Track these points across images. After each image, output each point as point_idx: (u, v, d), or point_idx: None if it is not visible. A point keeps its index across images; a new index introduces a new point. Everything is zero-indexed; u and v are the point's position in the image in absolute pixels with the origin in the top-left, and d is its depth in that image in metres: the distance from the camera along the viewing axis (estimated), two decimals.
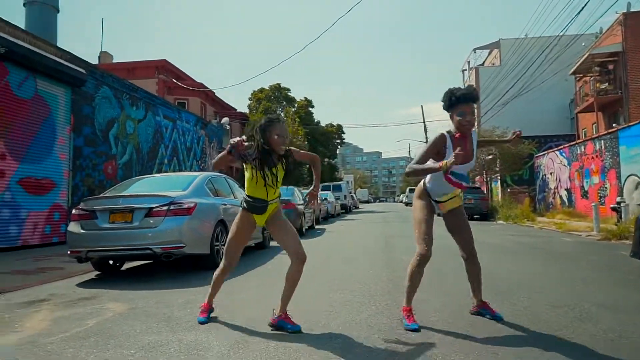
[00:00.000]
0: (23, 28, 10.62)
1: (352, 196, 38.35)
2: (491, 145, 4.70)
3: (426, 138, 40.66)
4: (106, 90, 12.78)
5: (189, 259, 6.22)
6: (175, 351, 2.89)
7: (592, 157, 16.52)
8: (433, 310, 3.80)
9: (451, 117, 3.28)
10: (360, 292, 4.57)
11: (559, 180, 20.18)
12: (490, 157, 22.75)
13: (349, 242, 10.56)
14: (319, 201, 14.77)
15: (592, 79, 23.03)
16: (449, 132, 3.28)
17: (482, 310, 3.55)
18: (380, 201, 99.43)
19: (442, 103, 3.31)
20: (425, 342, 2.97)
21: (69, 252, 5.89)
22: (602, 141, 15.72)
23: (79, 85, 11.30)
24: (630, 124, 14.49)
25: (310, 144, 35.94)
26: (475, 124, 3.45)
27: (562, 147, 20.11)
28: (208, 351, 2.88)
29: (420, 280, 3.38)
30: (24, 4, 26.21)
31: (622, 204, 11.67)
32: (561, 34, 16.78)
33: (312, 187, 3.58)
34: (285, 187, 3.76)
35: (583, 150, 17.43)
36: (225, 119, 24.88)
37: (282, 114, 37.18)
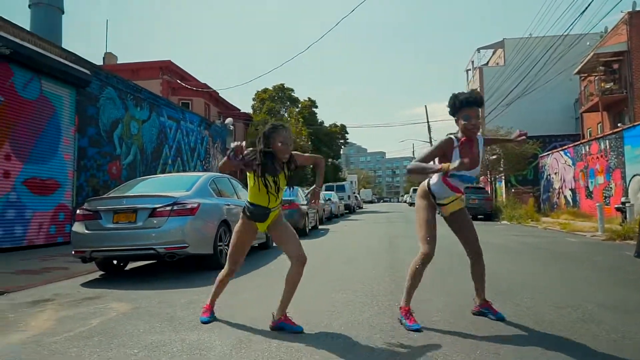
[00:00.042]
0: (28, 29, 10.70)
1: (355, 196, 38.32)
2: (495, 143, 4.72)
3: (430, 138, 40.64)
4: (110, 91, 12.84)
5: (192, 259, 6.25)
6: (178, 351, 2.91)
7: (597, 157, 16.43)
8: (435, 310, 3.80)
9: (457, 121, 3.30)
10: (362, 293, 4.58)
11: (564, 180, 20.09)
12: (494, 157, 22.69)
13: (352, 242, 10.56)
14: (320, 200, 14.79)
15: (597, 78, 22.94)
16: (455, 136, 3.29)
17: (485, 310, 3.55)
18: (384, 201, 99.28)
19: (448, 109, 3.33)
20: (427, 342, 2.98)
21: (73, 252, 5.93)
22: (607, 141, 15.63)
23: (83, 86, 11.36)
24: (636, 123, 14.41)
25: (314, 144, 35.96)
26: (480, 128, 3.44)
27: (566, 147, 20.02)
28: (210, 351, 2.89)
29: (420, 280, 3.38)
30: (29, 6, 26.38)
31: (627, 204, 11.60)
32: (566, 33, 16.74)
33: (314, 186, 3.55)
34: (289, 187, 3.71)
35: (588, 150, 17.35)
36: (229, 120, 24.92)
37: (286, 114, 37.24)
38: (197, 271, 6.16)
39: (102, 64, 25.37)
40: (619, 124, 19.72)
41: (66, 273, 6.27)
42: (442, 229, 3.61)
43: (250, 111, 37.29)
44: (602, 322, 3.42)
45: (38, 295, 4.82)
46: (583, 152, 17.79)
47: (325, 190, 26.43)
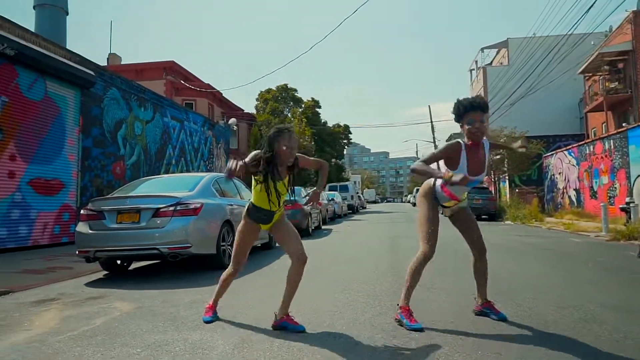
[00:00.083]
0: (33, 31, 10.76)
1: (359, 196, 38.32)
2: (497, 149, 4.67)
3: (434, 138, 40.54)
4: (114, 92, 12.91)
5: (195, 259, 6.26)
6: (181, 350, 2.93)
7: (601, 157, 16.37)
8: (436, 309, 3.80)
9: (462, 127, 3.30)
10: (364, 293, 4.59)
11: (568, 180, 20.02)
12: (498, 157, 22.63)
13: (355, 242, 10.57)
14: (320, 201, 14.85)
15: (601, 77, 22.83)
16: (463, 140, 3.29)
17: (486, 309, 3.55)
18: (388, 201, 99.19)
19: (453, 116, 3.35)
20: (428, 342, 2.98)
21: (77, 252, 5.97)
22: (612, 141, 15.57)
23: (87, 87, 11.43)
24: None
25: (317, 145, 35.98)
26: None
27: (570, 147, 19.94)
28: (212, 350, 2.91)
29: (419, 280, 3.39)
30: (34, 7, 26.54)
31: (631, 205, 11.54)
32: (570, 32, 16.65)
33: (315, 187, 3.57)
34: (290, 193, 3.72)
35: (592, 150, 17.28)
36: (232, 120, 24.98)
37: (289, 115, 37.28)
38: (200, 271, 6.19)
39: (106, 64, 25.48)
40: (623, 124, 19.62)
41: (70, 273, 6.31)
42: (442, 228, 3.61)
43: (254, 111, 37.36)
44: (604, 322, 3.41)
45: (43, 295, 4.86)
46: (587, 152, 17.72)
47: (329, 190, 26.41)
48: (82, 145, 11.35)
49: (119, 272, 6.46)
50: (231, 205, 6.92)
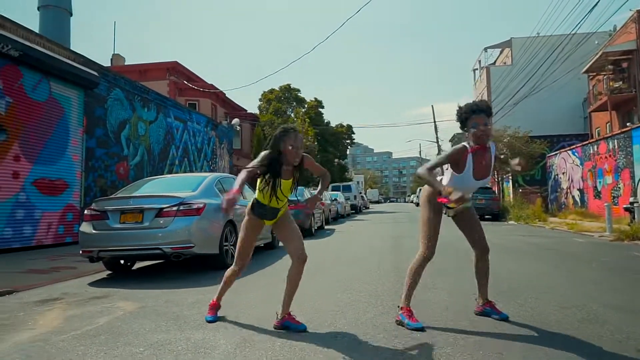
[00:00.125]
0: (37, 32, 10.82)
1: (362, 196, 38.28)
2: (495, 160, 4.62)
3: (437, 138, 40.51)
4: (118, 93, 12.96)
5: (198, 259, 6.28)
6: (183, 349, 2.94)
7: (605, 157, 16.30)
8: (438, 310, 3.80)
9: (467, 132, 3.30)
10: (366, 292, 4.59)
11: (572, 180, 19.94)
12: (501, 156, 22.53)
13: (358, 242, 10.57)
14: (323, 201, 14.90)
15: (605, 77, 22.74)
16: (469, 143, 3.29)
17: (488, 309, 3.55)
18: (391, 201, 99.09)
19: (458, 123, 3.36)
20: (430, 341, 2.98)
21: (81, 252, 6.00)
22: (616, 140, 15.50)
23: (91, 87, 11.48)
24: None
25: (320, 145, 35.99)
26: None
27: (574, 146, 19.87)
28: (215, 349, 2.92)
29: (419, 281, 3.40)
30: (38, 8, 26.66)
31: (635, 204, 11.48)
32: (574, 32, 16.59)
33: (314, 194, 3.60)
34: (294, 191, 3.76)
35: (596, 149, 17.21)
36: (235, 120, 25.02)
37: (292, 115, 37.28)
38: (203, 271, 6.21)
39: (109, 65, 25.57)
40: (627, 123, 19.53)
41: (74, 272, 6.34)
42: (444, 228, 3.61)
43: (257, 112, 37.39)
44: (607, 322, 3.40)
45: (46, 294, 4.89)
46: (591, 151, 17.65)
47: (332, 190, 26.43)
48: (85, 145, 11.40)
49: (123, 271, 6.49)
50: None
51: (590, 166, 17.76)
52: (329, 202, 18.21)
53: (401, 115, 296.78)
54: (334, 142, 41.37)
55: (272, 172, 3.24)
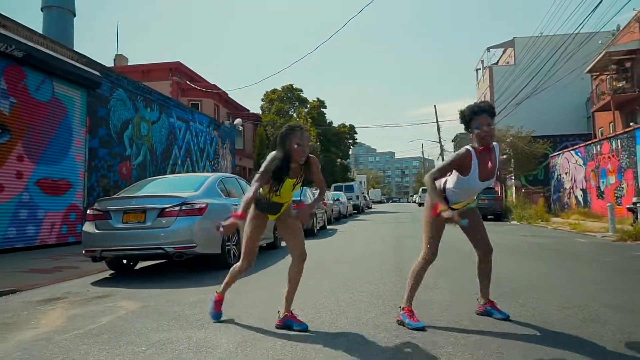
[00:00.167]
0: (40, 32, 10.87)
1: (364, 196, 38.25)
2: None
3: (439, 138, 40.47)
4: (121, 93, 13.00)
5: (200, 259, 6.30)
6: (185, 348, 2.96)
7: (609, 157, 16.25)
8: (439, 309, 3.81)
9: (471, 133, 3.30)
10: (368, 292, 4.60)
11: (574, 180, 19.89)
12: (504, 156, 22.52)
13: (360, 242, 10.57)
14: (325, 201, 14.91)
15: (608, 77, 22.66)
16: (473, 147, 3.29)
17: (489, 309, 3.55)
18: (393, 201, 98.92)
19: (462, 125, 3.37)
20: (431, 341, 2.99)
21: (83, 252, 6.03)
22: (619, 140, 15.45)
23: (94, 88, 11.52)
24: None
25: (323, 145, 36.03)
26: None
27: (577, 146, 19.81)
28: (216, 349, 2.93)
29: (421, 282, 3.41)
30: (42, 9, 26.74)
31: (638, 205, 11.43)
32: (577, 31, 16.54)
33: (310, 203, 3.61)
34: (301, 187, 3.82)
35: (599, 149, 17.15)
36: (238, 120, 25.05)
37: (295, 115, 37.32)
38: (205, 271, 6.22)
39: (112, 65, 25.65)
40: (631, 123, 19.46)
41: (77, 272, 6.37)
42: (446, 228, 3.61)
43: (259, 112, 37.44)
44: (608, 322, 3.40)
45: (49, 294, 4.91)
46: (594, 151, 17.60)
47: (334, 190, 26.45)
48: (88, 145, 11.45)
49: (125, 271, 6.52)
50: (236, 205, 6.90)
51: (593, 166, 17.71)
52: (331, 202, 18.21)
53: (403, 115, 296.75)
54: (337, 142, 41.40)
55: (281, 172, 3.25)
